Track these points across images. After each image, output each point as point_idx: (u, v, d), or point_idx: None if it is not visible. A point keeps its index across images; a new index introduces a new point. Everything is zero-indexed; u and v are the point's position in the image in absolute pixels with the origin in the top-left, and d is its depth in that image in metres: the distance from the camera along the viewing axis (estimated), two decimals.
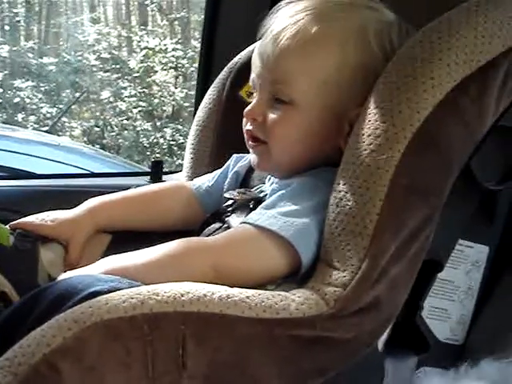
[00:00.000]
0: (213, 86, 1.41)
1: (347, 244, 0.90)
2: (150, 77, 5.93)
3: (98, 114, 5.96)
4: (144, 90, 5.86)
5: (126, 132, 5.73)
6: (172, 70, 5.96)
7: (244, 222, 0.97)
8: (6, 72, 5.74)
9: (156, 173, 1.64)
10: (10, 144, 3.21)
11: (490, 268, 1.11)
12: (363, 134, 0.93)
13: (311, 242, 0.94)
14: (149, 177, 1.65)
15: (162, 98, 5.90)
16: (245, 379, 0.84)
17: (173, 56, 5.91)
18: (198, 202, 1.22)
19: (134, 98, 5.78)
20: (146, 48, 5.95)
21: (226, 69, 1.39)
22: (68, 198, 1.37)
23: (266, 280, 0.93)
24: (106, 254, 1.09)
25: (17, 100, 5.56)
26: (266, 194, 1.07)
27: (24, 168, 2.79)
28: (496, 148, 0.99)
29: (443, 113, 0.91)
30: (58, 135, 5.20)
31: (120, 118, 5.78)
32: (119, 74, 5.91)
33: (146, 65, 5.88)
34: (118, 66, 5.94)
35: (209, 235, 1.07)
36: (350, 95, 1.00)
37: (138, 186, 1.30)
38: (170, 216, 1.22)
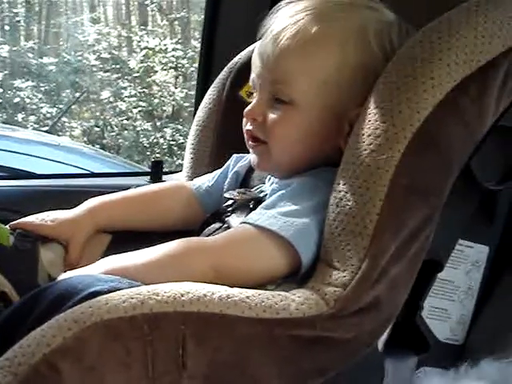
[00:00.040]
0: (213, 86, 1.41)
1: (347, 244, 0.90)
2: (150, 77, 5.93)
3: (98, 114, 5.96)
4: (144, 90, 5.86)
5: (126, 132, 5.73)
6: (172, 70, 5.96)
7: (244, 222, 0.97)
8: (6, 72, 5.74)
9: (156, 173, 1.64)
10: (10, 144, 3.21)
11: (490, 268, 1.11)
12: (363, 134, 0.93)
13: (311, 241, 0.94)
14: (149, 177, 1.65)
15: (162, 98, 5.90)
16: (245, 379, 0.84)
17: (173, 56, 5.91)
18: (198, 202, 1.22)
19: (134, 98, 5.78)
20: (146, 48, 5.95)
21: (225, 69, 1.39)
22: (68, 197, 1.37)
23: (266, 280, 0.93)
24: (106, 253, 1.09)
25: (17, 100, 5.56)
26: (266, 194, 1.07)
27: (24, 168, 2.79)
28: (496, 148, 0.99)
29: (443, 113, 0.91)
30: (58, 135, 5.20)
31: (120, 118, 5.78)
32: (119, 74, 5.91)
33: (146, 65, 5.88)
34: (118, 66, 5.94)
35: (209, 235, 1.07)
36: (350, 95, 1.00)
37: (138, 186, 1.30)
38: (170, 216, 1.22)
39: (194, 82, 1.91)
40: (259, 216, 0.96)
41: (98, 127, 5.77)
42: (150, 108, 5.83)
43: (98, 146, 5.27)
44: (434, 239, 0.94)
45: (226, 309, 0.83)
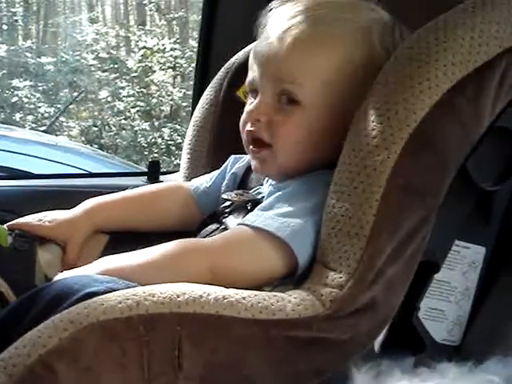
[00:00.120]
0: (210, 86, 1.41)
1: (344, 245, 0.90)
2: (148, 76, 5.92)
3: (95, 113, 5.95)
4: (142, 89, 5.86)
5: (123, 132, 5.73)
6: (170, 70, 5.96)
7: (241, 224, 0.97)
8: (3, 71, 5.74)
9: (153, 173, 1.64)
10: (8, 144, 3.21)
11: (487, 269, 1.11)
12: (359, 135, 0.93)
13: (308, 242, 0.94)
14: (146, 177, 1.65)
15: (160, 98, 5.90)
16: (241, 380, 0.84)
17: (171, 56, 5.90)
18: (196, 203, 1.22)
19: (132, 98, 5.78)
20: (144, 48, 5.94)
21: (223, 69, 1.39)
22: (65, 198, 1.37)
23: (263, 281, 0.93)
24: (103, 254, 1.09)
25: (15, 99, 5.55)
26: (263, 196, 1.07)
27: (21, 168, 2.78)
28: (492, 149, 0.99)
29: (439, 113, 0.91)
30: (56, 135, 5.19)
31: (118, 118, 5.78)
32: (117, 74, 5.90)
33: (144, 64, 5.88)
34: (116, 66, 5.94)
35: (206, 236, 1.07)
36: (355, 95, 0.99)
37: (135, 186, 1.30)
38: (168, 216, 1.22)
39: (192, 82, 1.91)
40: (256, 217, 0.96)
41: (96, 127, 5.76)
42: (148, 108, 5.83)
43: (95, 146, 5.27)
44: (430, 240, 0.94)
45: (222, 310, 0.83)
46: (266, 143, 1.03)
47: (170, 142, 5.56)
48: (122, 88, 5.82)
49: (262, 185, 1.13)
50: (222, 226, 1.07)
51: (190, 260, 0.93)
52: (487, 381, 0.90)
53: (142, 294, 0.81)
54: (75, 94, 5.78)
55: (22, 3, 6.21)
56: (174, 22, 6.26)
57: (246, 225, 0.96)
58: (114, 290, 0.82)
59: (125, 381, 0.77)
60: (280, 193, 0.99)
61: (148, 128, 5.71)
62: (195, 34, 5.99)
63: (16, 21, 6.06)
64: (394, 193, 0.90)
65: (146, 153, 5.58)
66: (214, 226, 1.09)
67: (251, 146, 1.05)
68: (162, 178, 1.64)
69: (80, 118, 5.91)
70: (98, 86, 5.95)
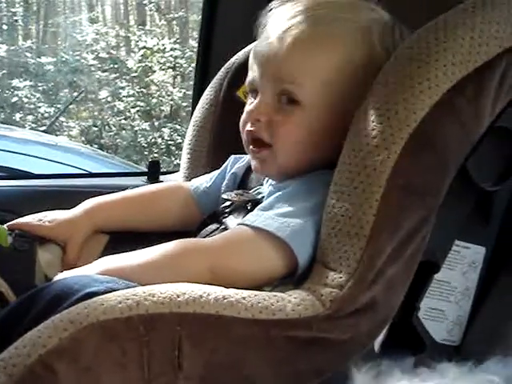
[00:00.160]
0: (210, 86, 1.41)
1: (344, 245, 0.90)
2: (148, 76, 5.92)
3: (96, 113, 5.95)
4: (142, 89, 5.86)
5: (124, 132, 5.73)
6: (170, 70, 5.96)
7: (241, 224, 0.97)
8: (3, 71, 5.74)
9: (153, 173, 1.64)
10: (8, 144, 3.21)
11: (487, 269, 1.11)
12: (359, 135, 0.93)
13: (308, 242, 0.94)
14: (146, 177, 1.65)
15: (160, 98, 5.90)
16: (241, 380, 0.84)
17: (171, 56, 5.90)
18: (196, 203, 1.22)
19: (132, 98, 5.78)
20: (144, 48, 5.95)
21: (223, 69, 1.39)
22: (65, 198, 1.37)
23: (263, 282, 0.93)
24: (103, 254, 1.09)
25: (15, 99, 5.55)
26: (263, 196, 1.07)
27: (21, 168, 2.78)
28: (492, 149, 0.99)
29: (439, 113, 0.91)
30: (56, 135, 5.20)
31: (118, 118, 5.78)
32: (117, 74, 5.90)
33: (144, 64, 5.88)
34: (116, 66, 5.94)
35: (206, 236, 1.07)
36: (355, 95, 0.99)
37: (135, 186, 1.30)
38: (168, 216, 1.21)
39: (192, 82, 1.91)
40: (256, 217, 0.96)
41: (96, 127, 5.76)
42: (148, 108, 5.83)
43: (95, 146, 5.27)
44: (430, 240, 0.94)
45: (222, 310, 0.83)
46: (266, 143, 1.02)
47: (170, 142, 5.56)
48: (122, 88, 5.82)
49: (262, 185, 1.13)
50: (222, 226, 1.07)
51: (190, 260, 0.93)
52: (487, 381, 0.90)
53: (142, 293, 0.81)
54: (75, 93, 5.78)
55: (21, 3, 6.21)
56: (174, 22, 6.26)
57: (246, 225, 0.96)
58: (114, 290, 0.82)
59: (125, 381, 0.77)
60: (280, 193, 0.99)
61: (148, 128, 5.71)
62: (195, 34, 5.99)
63: (16, 21, 6.06)
64: (393, 193, 0.90)
65: (146, 153, 5.58)
66: (214, 226, 1.09)
67: (251, 146, 1.05)
68: (162, 178, 1.64)
69: (80, 118, 5.91)
70: (98, 86, 5.96)
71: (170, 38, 6.12)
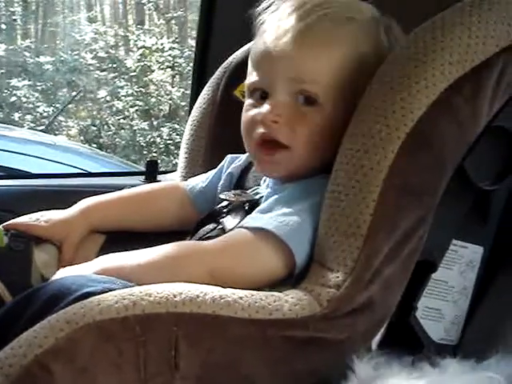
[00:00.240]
0: (207, 85, 1.40)
1: (341, 244, 0.90)
2: (147, 76, 5.93)
3: (94, 113, 5.96)
4: (141, 89, 5.86)
5: (122, 131, 5.73)
6: (169, 69, 5.96)
7: (241, 227, 0.97)
8: (2, 71, 5.74)
9: (151, 172, 1.63)
10: (7, 143, 3.21)
11: (485, 268, 1.11)
12: (357, 134, 0.93)
13: (305, 241, 0.94)
14: (144, 176, 1.65)
15: (159, 97, 5.91)
16: (237, 380, 0.84)
17: (169, 55, 5.91)
18: (192, 203, 1.21)
19: (131, 97, 5.79)
20: (142, 47, 5.95)
21: (220, 68, 1.39)
22: (64, 197, 1.37)
23: (262, 284, 0.93)
24: (99, 254, 1.09)
25: (13, 99, 5.56)
26: (261, 196, 1.07)
27: (20, 167, 2.78)
28: (490, 148, 0.99)
29: (437, 113, 0.91)
30: (55, 134, 5.20)
31: (117, 117, 5.78)
32: (116, 73, 5.91)
33: (142, 64, 5.88)
34: (114, 65, 5.94)
35: (203, 236, 1.06)
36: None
37: (133, 185, 1.29)
38: (164, 216, 1.21)
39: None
40: (255, 220, 0.96)
41: (95, 126, 5.77)
42: (147, 107, 5.83)
43: (94, 146, 5.27)
44: (427, 239, 0.94)
45: (218, 309, 0.82)
46: (282, 145, 1.00)
47: (168, 142, 5.56)
48: (121, 87, 5.83)
49: (259, 185, 1.12)
50: (220, 226, 1.07)
51: (190, 262, 0.93)
52: (488, 378, 0.90)
53: (139, 293, 0.81)
54: (74, 93, 5.79)
55: (20, 2, 6.22)
56: (173, 22, 6.27)
57: (246, 228, 0.96)
58: (111, 290, 0.82)
59: (121, 381, 0.77)
60: (279, 195, 0.99)
61: (147, 127, 5.71)
62: (194, 34, 5.98)
63: (15, 20, 6.07)
64: (390, 192, 0.89)
65: (144, 152, 5.59)
66: (211, 226, 1.09)
67: (263, 150, 1.02)
68: (159, 177, 1.64)
69: (79, 118, 5.91)
70: (96, 86, 5.96)
71: (168, 38, 6.12)
